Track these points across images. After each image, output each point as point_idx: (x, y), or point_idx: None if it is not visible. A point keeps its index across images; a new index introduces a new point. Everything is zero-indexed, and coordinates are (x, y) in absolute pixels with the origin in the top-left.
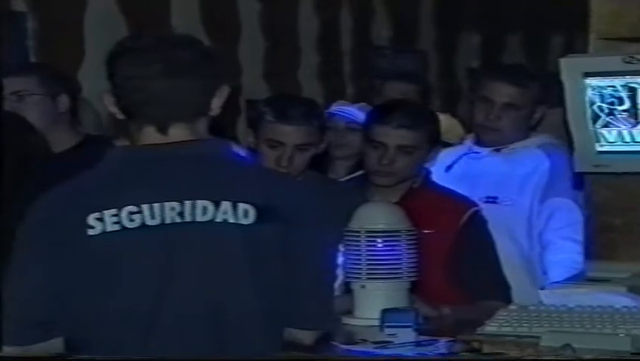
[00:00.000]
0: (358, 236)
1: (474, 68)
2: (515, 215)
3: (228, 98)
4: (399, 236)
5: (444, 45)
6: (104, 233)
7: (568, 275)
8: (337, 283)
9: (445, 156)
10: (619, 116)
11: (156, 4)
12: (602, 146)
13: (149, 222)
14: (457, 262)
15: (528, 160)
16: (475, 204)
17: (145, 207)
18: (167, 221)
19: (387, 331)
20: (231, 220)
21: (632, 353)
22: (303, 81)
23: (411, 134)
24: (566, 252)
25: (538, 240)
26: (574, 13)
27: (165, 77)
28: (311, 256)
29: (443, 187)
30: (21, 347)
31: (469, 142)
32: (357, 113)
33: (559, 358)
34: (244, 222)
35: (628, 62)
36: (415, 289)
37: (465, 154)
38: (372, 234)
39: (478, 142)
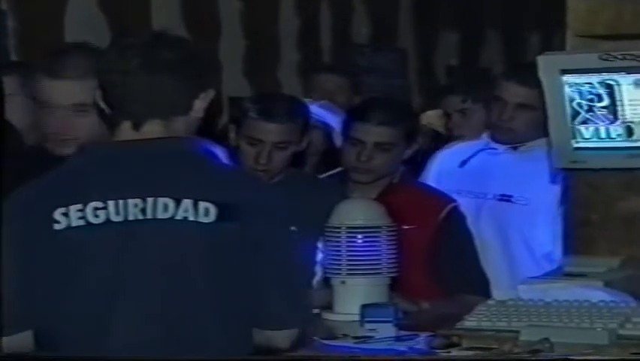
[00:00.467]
0: (338, 232)
1: (453, 65)
2: (529, 216)
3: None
4: (379, 232)
5: (423, 43)
6: (69, 228)
7: None
8: (316, 280)
9: (459, 150)
10: (598, 112)
11: (137, 2)
12: (578, 142)
13: (114, 218)
14: (437, 257)
15: (546, 160)
16: (453, 200)
17: (111, 203)
18: (130, 218)
19: (368, 326)
20: (191, 218)
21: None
22: (282, 79)
23: (390, 131)
24: None
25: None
26: (551, 10)
27: (144, 72)
28: (278, 255)
29: (422, 183)
30: None
31: (485, 137)
32: (318, 110)
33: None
34: (204, 220)
35: (604, 59)
36: (394, 284)
37: (482, 150)
38: (353, 230)
39: (495, 139)
